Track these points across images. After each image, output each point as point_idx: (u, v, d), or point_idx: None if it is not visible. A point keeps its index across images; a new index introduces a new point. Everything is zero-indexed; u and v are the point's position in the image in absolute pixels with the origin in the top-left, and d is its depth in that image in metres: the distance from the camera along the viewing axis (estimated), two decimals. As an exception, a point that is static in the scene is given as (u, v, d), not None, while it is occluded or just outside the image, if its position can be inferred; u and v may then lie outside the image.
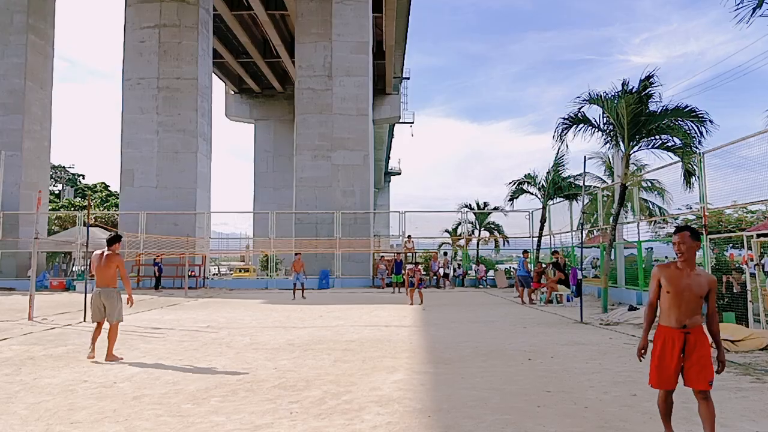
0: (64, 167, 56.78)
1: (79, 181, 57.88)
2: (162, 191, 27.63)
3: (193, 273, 25.95)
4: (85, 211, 19.62)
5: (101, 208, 46.32)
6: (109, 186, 55.38)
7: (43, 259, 29.16)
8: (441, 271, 26.66)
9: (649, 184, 24.61)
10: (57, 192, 53.37)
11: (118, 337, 8.17)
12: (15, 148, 27.87)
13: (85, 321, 12.52)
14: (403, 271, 25.29)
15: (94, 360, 7.78)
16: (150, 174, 27.82)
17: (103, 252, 8.18)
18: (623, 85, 13.86)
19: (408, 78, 57.24)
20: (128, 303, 8.06)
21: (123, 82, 28.60)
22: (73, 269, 29.28)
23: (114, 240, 8.21)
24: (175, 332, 10.96)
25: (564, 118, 15.05)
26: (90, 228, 15.90)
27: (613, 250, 16.14)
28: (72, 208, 43.14)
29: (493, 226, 34.51)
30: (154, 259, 24.87)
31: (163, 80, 28.10)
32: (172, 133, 27.95)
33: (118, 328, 8.09)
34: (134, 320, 12.93)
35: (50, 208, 38.95)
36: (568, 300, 17.33)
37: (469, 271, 28.56)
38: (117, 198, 38.66)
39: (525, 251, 20.63)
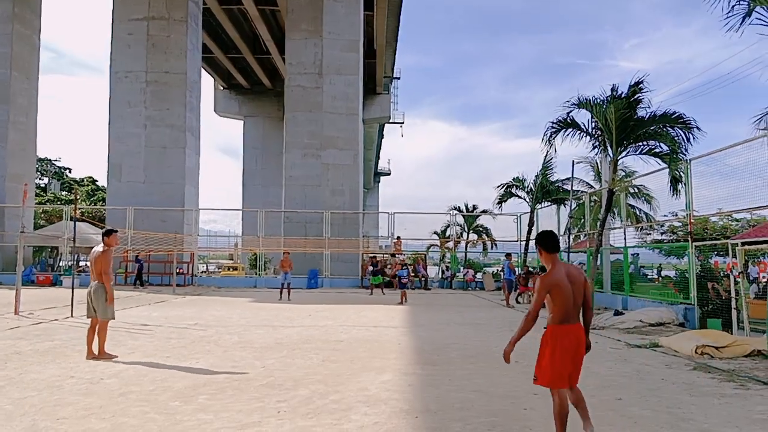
0: (50, 160, 56.16)
1: (66, 175, 57.29)
2: (149, 186, 27.42)
3: (181, 270, 25.80)
4: (72, 206, 19.45)
5: (88, 203, 45.91)
6: (96, 180, 54.87)
7: (29, 254, 28.87)
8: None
9: (636, 190, 24.82)
10: (43, 185, 52.80)
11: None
12: (0, 140, 27.58)
13: (72, 316, 12.43)
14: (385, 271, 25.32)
15: (93, 358, 7.74)
16: (137, 169, 27.59)
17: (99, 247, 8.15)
18: (612, 90, 13.94)
19: (398, 78, 57.27)
20: (107, 301, 7.85)
21: (111, 75, 28.30)
22: (60, 264, 29.05)
23: (105, 234, 8.17)
24: (163, 329, 10.91)
25: (553, 122, 15.11)
26: (77, 222, 15.79)
27: (599, 255, 16.25)
28: (58, 202, 42.73)
29: (481, 228, 34.64)
30: (136, 256, 24.71)
31: (151, 74, 27.86)
32: (160, 127, 27.74)
33: (107, 327, 7.97)
34: (122, 317, 12.81)
35: (36, 201, 38.54)
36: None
37: (457, 274, 28.66)
38: (104, 192, 38.31)
39: (508, 254, 20.73)
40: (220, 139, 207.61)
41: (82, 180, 55.13)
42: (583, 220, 23.64)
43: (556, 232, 22.28)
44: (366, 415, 5.23)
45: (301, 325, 12.12)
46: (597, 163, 25.31)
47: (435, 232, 34.58)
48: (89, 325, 8.07)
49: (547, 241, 4.41)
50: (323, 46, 30.02)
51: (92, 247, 8.30)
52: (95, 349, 7.85)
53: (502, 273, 21.09)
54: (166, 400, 5.61)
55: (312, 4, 30.24)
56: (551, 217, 23.66)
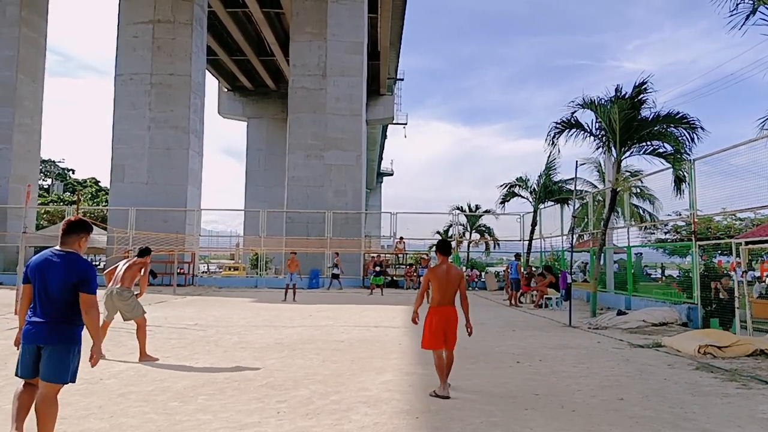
0: (54, 162, 56.40)
1: (69, 176, 57.49)
2: (152, 187, 27.43)
3: (182, 270, 25.81)
4: (75, 206, 19.48)
5: (91, 204, 46.00)
6: (99, 181, 55.07)
7: (30, 254, 28.91)
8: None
9: (639, 190, 24.76)
10: (46, 186, 52.99)
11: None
12: (5, 141, 27.66)
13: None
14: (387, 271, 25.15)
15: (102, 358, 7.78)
16: (141, 170, 27.61)
17: (131, 259, 8.42)
18: (617, 90, 13.92)
19: (402, 79, 57.31)
20: (138, 296, 8.26)
21: (115, 78, 28.36)
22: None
23: (146, 252, 8.43)
24: (163, 329, 10.90)
25: (556, 123, 15.10)
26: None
27: (602, 254, 16.21)
28: (61, 203, 42.85)
29: (484, 228, 34.55)
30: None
31: (156, 76, 27.89)
32: (164, 129, 27.76)
33: (145, 326, 8.06)
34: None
35: (39, 202, 38.63)
36: (557, 304, 17.39)
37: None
38: (107, 194, 38.41)
39: (517, 255, 20.72)
40: (224, 140, 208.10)
41: (86, 181, 55.32)
42: (586, 220, 23.59)
43: (559, 231, 22.40)
44: (366, 416, 5.20)
45: (302, 325, 12.09)
46: (600, 163, 25.28)
47: (437, 232, 34.50)
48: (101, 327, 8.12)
49: (442, 247, 6.28)
50: (327, 48, 30.06)
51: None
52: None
53: (507, 273, 21.09)
54: (165, 401, 5.59)
55: (316, 6, 30.28)
56: (554, 217, 23.61)
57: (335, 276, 25.26)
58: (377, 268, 23.00)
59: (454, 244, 31.15)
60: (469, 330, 6.14)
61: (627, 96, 13.70)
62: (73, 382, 4.11)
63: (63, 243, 4.07)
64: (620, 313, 13.63)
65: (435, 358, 6.04)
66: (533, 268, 21.56)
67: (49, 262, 3.96)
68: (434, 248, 6.58)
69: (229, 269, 36.56)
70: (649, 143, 14.08)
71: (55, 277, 3.90)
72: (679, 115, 13.42)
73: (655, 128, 13.64)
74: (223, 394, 5.90)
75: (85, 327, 4.09)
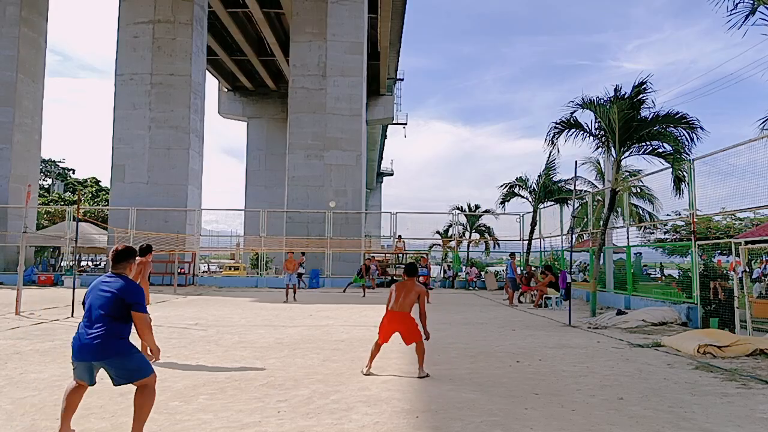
0: (54, 161, 56.33)
1: (70, 176, 57.43)
2: (153, 187, 27.47)
3: (182, 270, 25.81)
4: (75, 206, 19.48)
5: (91, 204, 45.99)
6: (99, 181, 55.01)
7: (31, 254, 28.95)
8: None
9: (638, 190, 24.79)
10: (46, 186, 52.95)
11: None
12: (5, 141, 27.68)
13: (72, 316, 12.44)
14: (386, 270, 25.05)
15: None
16: (141, 170, 27.65)
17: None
18: (616, 90, 13.92)
19: (402, 79, 57.32)
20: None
21: (116, 78, 28.39)
22: (62, 264, 29.09)
23: (147, 251, 8.69)
24: (164, 329, 10.91)
25: (556, 123, 15.10)
26: (79, 223, 15.82)
27: (602, 254, 16.22)
28: (62, 203, 42.86)
29: (483, 228, 34.53)
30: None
31: (156, 76, 27.93)
32: (164, 129, 27.80)
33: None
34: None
35: (39, 202, 38.62)
36: (556, 304, 17.40)
37: (459, 273, 28.63)
38: (107, 194, 38.40)
39: (512, 254, 20.74)
40: (224, 140, 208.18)
41: (86, 181, 55.27)
42: (586, 220, 23.61)
43: (559, 231, 22.41)
44: (367, 415, 5.21)
45: (302, 324, 12.11)
46: (600, 163, 25.31)
47: (437, 232, 34.49)
48: None
49: (407, 270, 7.52)
50: (327, 49, 30.09)
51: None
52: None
53: (505, 273, 21.08)
54: (166, 400, 5.60)
55: (316, 7, 30.30)
56: (554, 217, 23.62)
57: (299, 275, 25.07)
58: (374, 268, 22.95)
59: (453, 243, 31.24)
60: (426, 336, 7.09)
61: (626, 96, 13.70)
62: (153, 371, 4.51)
63: (114, 268, 4.55)
64: (620, 312, 13.65)
65: (374, 345, 7.22)
66: (533, 268, 21.56)
67: (102, 283, 4.43)
68: (403, 272, 7.84)
69: (230, 269, 36.52)
70: (648, 143, 14.08)
71: (106, 295, 4.32)
72: (679, 115, 13.43)
73: (655, 128, 13.65)
74: (223, 393, 5.92)
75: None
